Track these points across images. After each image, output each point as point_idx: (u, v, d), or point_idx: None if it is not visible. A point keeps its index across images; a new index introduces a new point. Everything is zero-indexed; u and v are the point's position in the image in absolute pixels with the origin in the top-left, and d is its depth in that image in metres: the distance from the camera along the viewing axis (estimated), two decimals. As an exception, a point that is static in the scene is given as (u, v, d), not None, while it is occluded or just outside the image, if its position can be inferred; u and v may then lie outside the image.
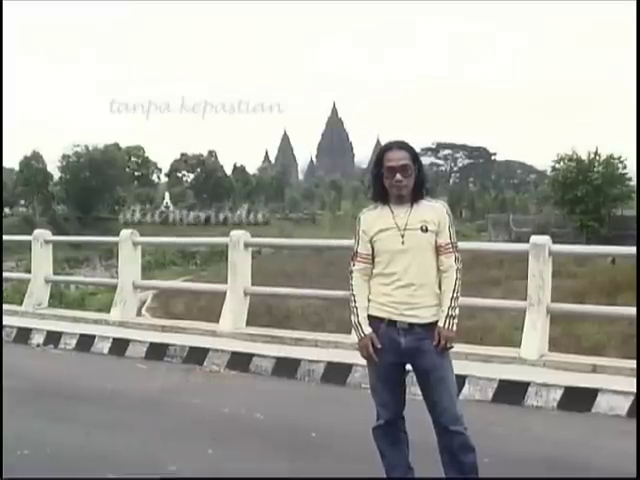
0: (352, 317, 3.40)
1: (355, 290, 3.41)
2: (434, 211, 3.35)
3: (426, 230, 3.29)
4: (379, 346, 3.31)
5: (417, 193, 3.35)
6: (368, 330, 3.34)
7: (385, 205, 3.38)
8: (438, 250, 3.33)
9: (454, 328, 3.30)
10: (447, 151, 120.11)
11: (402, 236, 3.29)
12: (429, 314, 3.31)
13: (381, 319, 3.34)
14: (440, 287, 3.34)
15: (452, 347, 3.33)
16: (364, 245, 3.40)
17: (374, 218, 3.39)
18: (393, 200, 3.36)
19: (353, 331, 3.50)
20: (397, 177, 3.27)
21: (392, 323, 3.31)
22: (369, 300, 3.39)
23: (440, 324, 3.30)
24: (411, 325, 3.29)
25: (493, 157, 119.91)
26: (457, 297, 3.32)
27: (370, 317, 3.37)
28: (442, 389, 3.32)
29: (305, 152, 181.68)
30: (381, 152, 3.37)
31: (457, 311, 3.31)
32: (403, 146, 3.35)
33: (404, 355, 3.32)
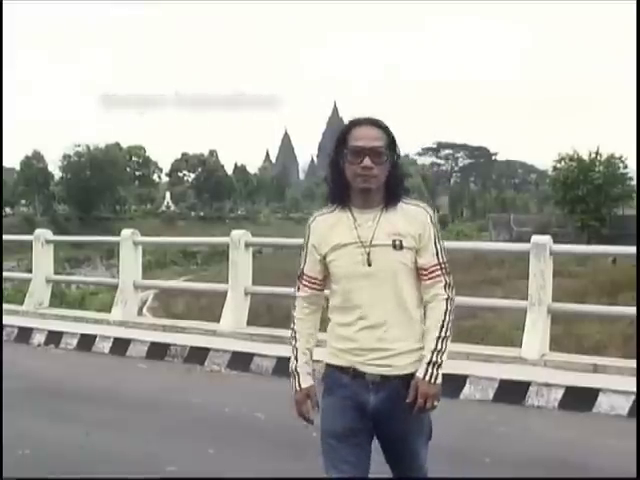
0: (290, 361, 2.59)
1: (297, 325, 2.58)
2: (413, 219, 2.43)
3: (400, 247, 2.39)
4: (316, 408, 2.55)
5: (391, 193, 2.44)
6: (307, 382, 2.55)
7: (345, 209, 2.46)
8: (421, 274, 2.44)
9: (438, 380, 2.38)
10: (448, 151, 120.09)
11: (367, 254, 2.39)
12: (410, 361, 2.42)
13: (344, 369, 2.47)
14: (420, 324, 2.46)
15: (434, 407, 2.40)
16: (313, 264, 2.52)
17: (328, 227, 2.47)
18: (357, 201, 2.44)
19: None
20: (365, 162, 2.36)
21: (359, 375, 2.44)
22: (329, 346, 2.56)
23: (419, 374, 2.38)
24: (385, 377, 2.41)
25: (494, 157, 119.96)
26: (446, 337, 2.41)
27: (328, 367, 2.54)
28: (411, 463, 2.54)
29: (306, 152, 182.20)
30: (346, 129, 2.45)
31: (445, 357, 2.40)
32: (378, 124, 2.44)
33: (372, 418, 2.45)
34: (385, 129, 2.43)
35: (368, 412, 2.43)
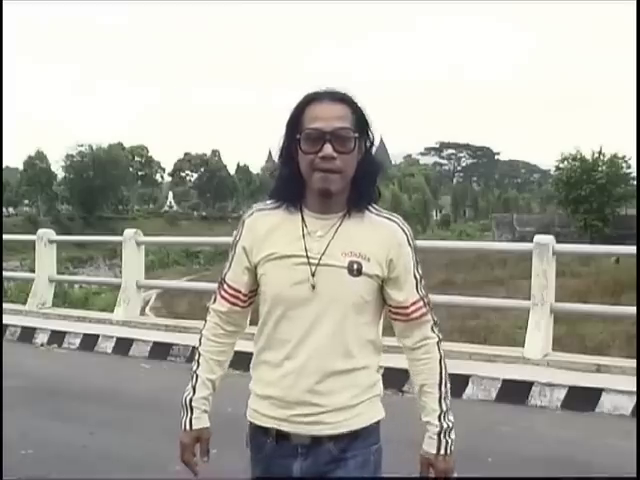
0: (186, 389, 2.01)
1: (204, 346, 1.97)
2: (383, 238, 1.78)
3: (358, 273, 1.74)
4: (205, 459, 2.09)
5: (359, 195, 1.77)
6: (200, 423, 2.03)
7: (295, 209, 1.80)
8: (398, 313, 1.84)
9: (453, 447, 1.85)
10: (451, 150, 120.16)
11: (312, 275, 1.74)
12: (346, 417, 1.79)
13: (265, 430, 1.91)
14: (374, 373, 1.86)
15: None
16: (239, 273, 1.87)
17: (267, 229, 1.81)
18: (312, 202, 1.78)
19: None
20: (326, 150, 1.69)
21: (283, 437, 1.85)
22: (251, 388, 2.06)
23: (430, 450, 1.84)
24: (316, 439, 1.80)
25: (497, 156, 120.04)
26: (447, 391, 1.86)
27: (250, 424, 1.99)
28: None
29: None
30: (300, 106, 1.76)
31: (452, 415, 1.86)
32: (343, 98, 1.76)
33: None
34: (353, 105, 1.75)
35: None
